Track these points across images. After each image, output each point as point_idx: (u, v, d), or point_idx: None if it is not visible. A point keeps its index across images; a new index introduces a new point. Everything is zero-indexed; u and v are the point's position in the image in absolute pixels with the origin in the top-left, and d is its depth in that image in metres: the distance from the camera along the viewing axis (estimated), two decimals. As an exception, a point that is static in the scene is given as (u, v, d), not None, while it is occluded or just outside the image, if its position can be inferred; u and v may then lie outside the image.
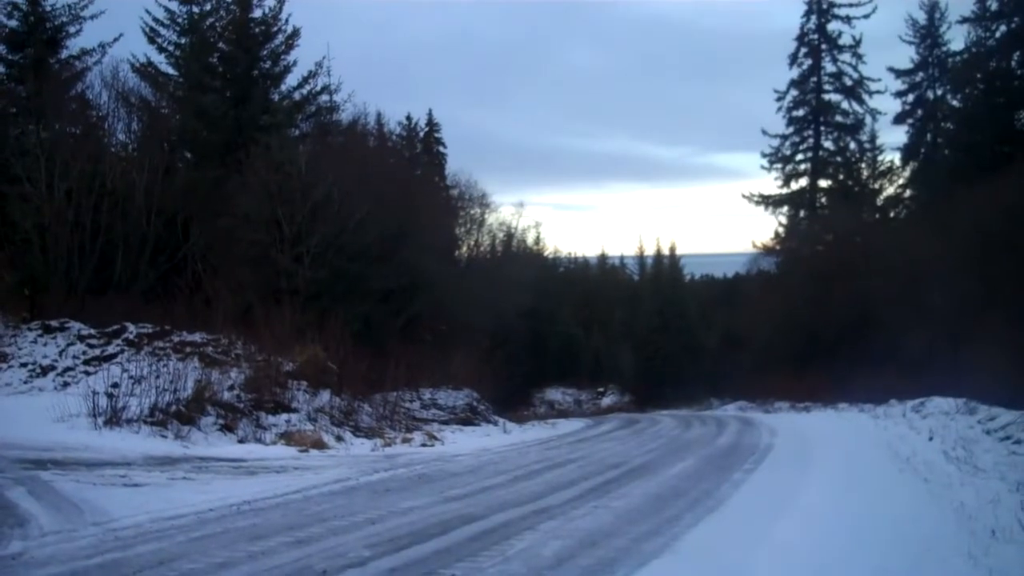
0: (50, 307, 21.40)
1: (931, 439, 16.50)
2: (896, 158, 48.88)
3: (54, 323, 20.35)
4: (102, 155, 25.07)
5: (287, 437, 16.88)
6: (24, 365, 19.15)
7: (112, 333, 20.38)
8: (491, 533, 8.60)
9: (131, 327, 20.65)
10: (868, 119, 50.56)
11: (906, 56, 47.61)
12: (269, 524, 8.73)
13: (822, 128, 51.51)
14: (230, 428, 16.64)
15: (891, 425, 20.91)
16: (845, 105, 51.10)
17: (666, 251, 70.63)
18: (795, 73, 51.53)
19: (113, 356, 19.37)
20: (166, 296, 23.71)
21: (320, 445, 16.83)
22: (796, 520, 9.21)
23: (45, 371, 18.82)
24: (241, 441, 16.29)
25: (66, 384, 18.14)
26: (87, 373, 18.47)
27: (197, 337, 21.19)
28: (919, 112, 46.79)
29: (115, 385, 16.19)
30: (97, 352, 19.71)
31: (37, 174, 22.67)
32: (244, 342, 21.58)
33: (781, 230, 52.86)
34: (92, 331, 20.32)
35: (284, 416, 18.20)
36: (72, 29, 28.34)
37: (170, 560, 7.17)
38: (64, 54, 28.54)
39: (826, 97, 51.29)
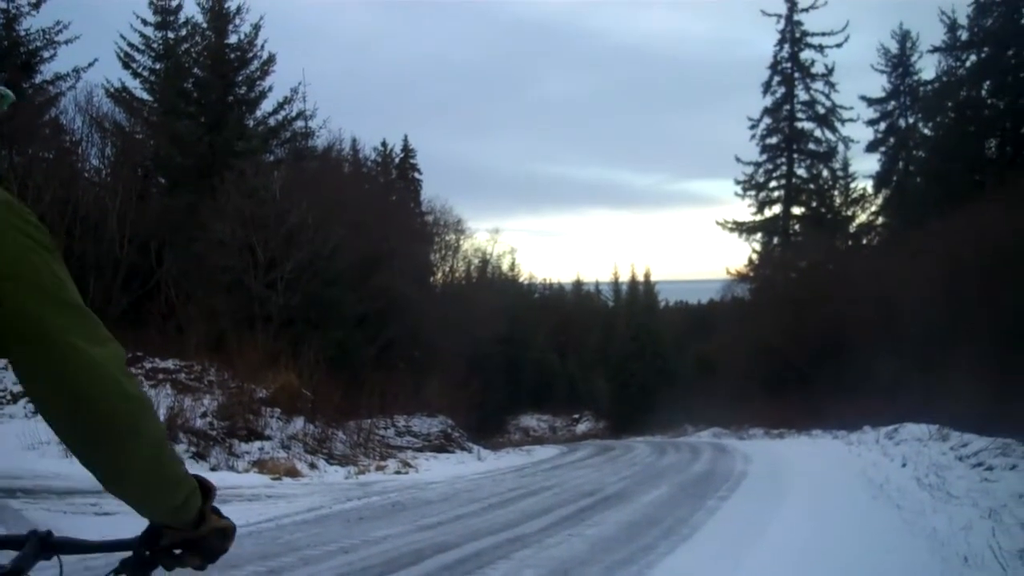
0: (21, 333, 21.24)
1: (904, 466, 16.55)
2: (868, 186, 49.34)
3: (25, 349, 20.19)
4: (75, 180, 24.93)
5: (260, 465, 16.78)
6: (-6, 392, 18.97)
7: (83, 359, 20.24)
8: (465, 562, 8.56)
9: (103, 353, 20.51)
10: (841, 147, 51.05)
11: (878, 85, 48.13)
12: (241, 553, 8.65)
13: (795, 155, 51.85)
14: (202, 456, 16.52)
15: (864, 451, 20.97)
16: (818, 133, 51.54)
17: (641, 277, 70.88)
18: (768, 101, 51.97)
19: (84, 383, 19.22)
20: (139, 322, 23.55)
21: (293, 473, 16.74)
22: (769, 548, 9.21)
23: (15, 398, 18.60)
24: (213, 469, 16.16)
25: (36, 411, 18.00)
26: (58, 400, 18.31)
27: (170, 363, 21.07)
28: (891, 140, 47.16)
29: (86, 412, 16.06)
30: (68, 379, 19.57)
31: (9, 199, 22.53)
32: (217, 368, 21.47)
33: (755, 257, 53.15)
34: (63, 357, 20.17)
35: (257, 443, 18.10)
36: (46, 54, 28.23)
37: (140, 590, 7.09)
38: (38, 79, 28.39)
39: (799, 125, 51.67)
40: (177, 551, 1.93)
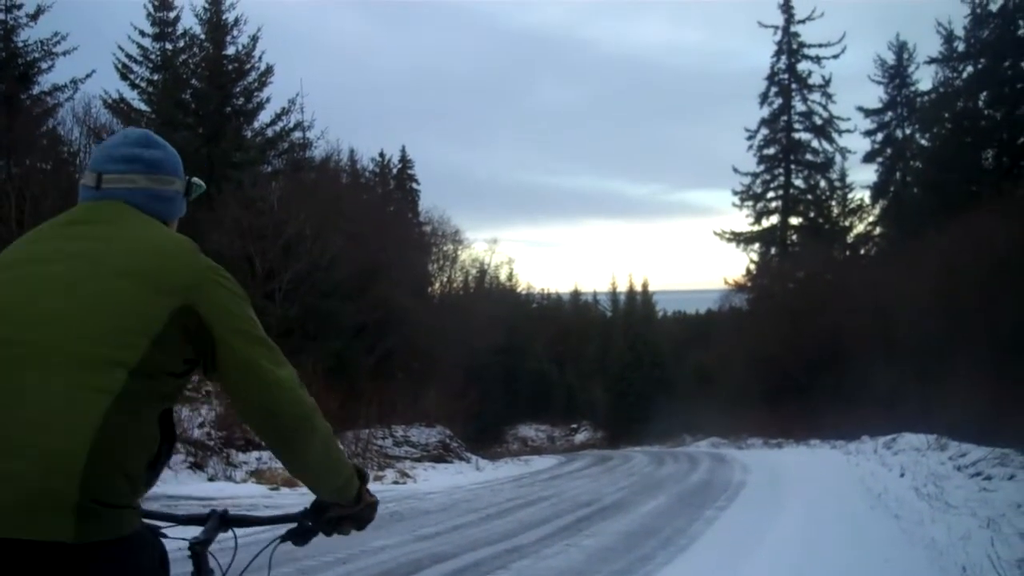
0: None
1: (902, 475, 16.54)
2: (866, 196, 49.49)
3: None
4: (73, 191, 24.77)
5: (258, 475, 16.77)
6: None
7: (81, 370, 20.22)
8: (462, 573, 8.55)
9: (101, 364, 20.50)
10: (838, 157, 51.34)
11: (875, 96, 48.27)
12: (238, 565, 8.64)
13: (792, 166, 52.03)
14: (200, 466, 16.52)
15: (863, 461, 20.97)
16: (815, 144, 51.81)
17: (638, 287, 71.04)
18: (766, 112, 52.24)
19: (82, 393, 19.20)
20: (136, 333, 23.54)
21: (291, 483, 16.69)
22: (768, 558, 9.20)
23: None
24: (211, 479, 16.16)
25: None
26: (55, 411, 18.29)
27: (167, 374, 21.06)
28: (888, 151, 47.25)
29: (84, 423, 16.06)
30: (66, 390, 19.54)
31: (7, 210, 22.51)
32: (215, 379, 21.46)
33: (752, 267, 53.31)
34: (61, 368, 20.14)
35: (255, 453, 18.07)
36: (44, 65, 28.21)
37: (137, 601, 7.07)
38: (36, 90, 28.40)
39: (796, 136, 51.90)
40: (336, 522, 2.53)
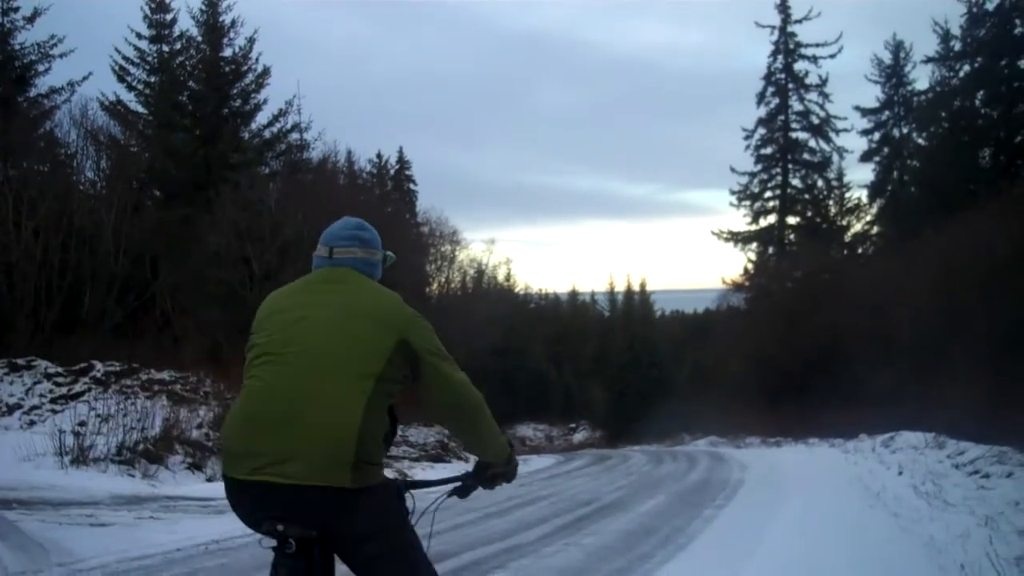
0: (16, 345, 21.20)
1: (901, 474, 16.54)
2: (863, 195, 49.57)
3: (20, 361, 20.15)
4: (70, 193, 24.93)
5: (256, 476, 16.74)
6: (-11, 404, 18.95)
7: (79, 371, 20.21)
8: (462, 572, 8.55)
9: (98, 365, 20.48)
10: (835, 157, 51.43)
11: (872, 95, 48.28)
12: (237, 564, 8.64)
13: (790, 166, 52.09)
14: (199, 467, 16.50)
15: (861, 460, 20.97)
16: (812, 143, 51.89)
17: (636, 287, 70.95)
18: (763, 112, 52.29)
19: (80, 394, 19.19)
20: (134, 334, 23.57)
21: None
22: (766, 556, 9.21)
23: (11, 410, 18.60)
24: (210, 480, 16.13)
25: (32, 423, 17.93)
26: (54, 411, 18.27)
27: (165, 375, 21.05)
28: (885, 150, 47.32)
29: (82, 423, 16.06)
30: (64, 390, 19.52)
31: (4, 212, 22.53)
32: (213, 380, 21.45)
33: (750, 266, 53.33)
34: (59, 369, 20.12)
35: (253, 454, 18.06)
36: (41, 67, 28.31)
37: (137, 601, 7.09)
38: (33, 92, 28.47)
39: (793, 135, 51.96)
40: (492, 478, 3.61)
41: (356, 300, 3.24)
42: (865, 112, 47.97)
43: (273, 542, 3.06)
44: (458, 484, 3.68)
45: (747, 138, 52.60)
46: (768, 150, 52.45)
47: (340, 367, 3.02)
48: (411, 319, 3.24)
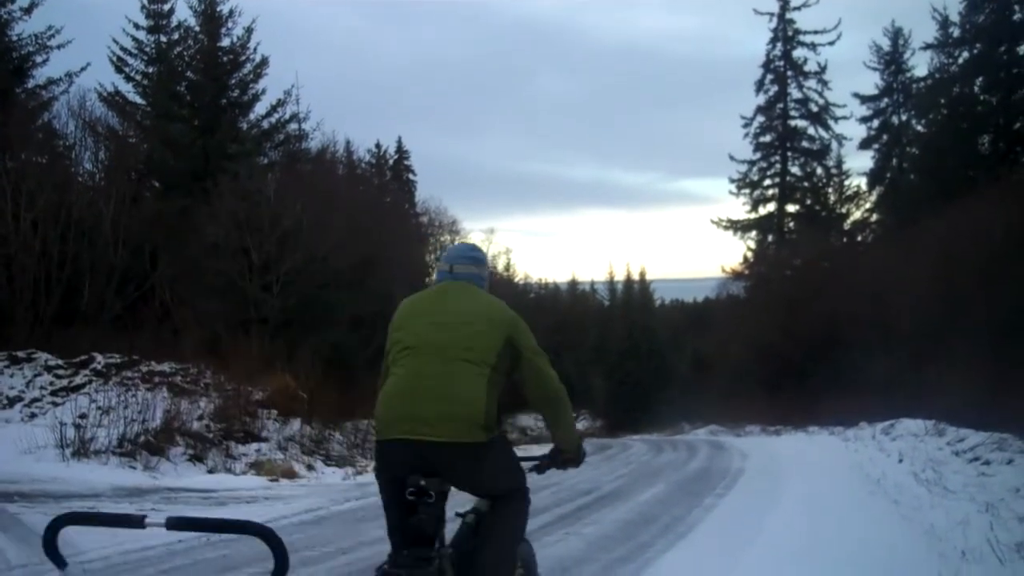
0: (16, 338, 21.18)
1: (901, 461, 16.55)
2: (862, 183, 49.58)
3: (20, 354, 20.14)
4: (69, 184, 24.87)
5: (257, 467, 16.79)
6: (-10, 397, 18.94)
7: (79, 363, 20.20)
8: (463, 561, 8.55)
9: (99, 357, 20.48)
10: (834, 144, 51.40)
11: (871, 82, 48.26)
12: (239, 555, 8.66)
13: (789, 153, 52.06)
14: (199, 458, 16.54)
15: (861, 447, 20.98)
16: (811, 131, 51.86)
17: (636, 276, 70.97)
18: (761, 99, 52.26)
19: (81, 387, 19.20)
20: (134, 326, 23.55)
21: (291, 474, 16.74)
22: (767, 544, 9.21)
23: (12, 402, 18.60)
24: (211, 471, 16.17)
25: (33, 415, 17.93)
26: (54, 404, 18.28)
27: (165, 367, 21.06)
28: (884, 137, 47.30)
29: (83, 416, 16.09)
30: (64, 383, 19.52)
31: (3, 204, 22.49)
32: (213, 371, 21.45)
33: (750, 255, 53.35)
34: (59, 361, 20.11)
35: (254, 445, 18.12)
36: (39, 59, 28.22)
37: (138, 593, 7.10)
38: (31, 84, 28.39)
39: (792, 123, 51.94)
40: (564, 461, 4.51)
41: (473, 306, 4.18)
42: (864, 99, 47.96)
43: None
44: (537, 463, 4.59)
45: (746, 126, 52.65)
46: (767, 138, 52.45)
47: (466, 357, 3.96)
48: (514, 321, 4.17)
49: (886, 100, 47.64)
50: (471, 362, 3.94)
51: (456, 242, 49.06)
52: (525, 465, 4.45)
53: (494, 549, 4.18)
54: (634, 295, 70.33)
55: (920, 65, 47.72)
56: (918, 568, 7.56)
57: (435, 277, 4.56)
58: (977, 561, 7.65)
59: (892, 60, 47.38)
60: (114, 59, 31.62)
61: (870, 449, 20.05)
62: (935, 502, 11.18)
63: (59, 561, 2.79)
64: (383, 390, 4.14)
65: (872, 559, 8.18)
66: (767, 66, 51.83)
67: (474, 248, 4.63)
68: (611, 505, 12.98)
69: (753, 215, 53.16)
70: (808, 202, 52.11)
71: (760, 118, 52.32)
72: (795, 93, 51.75)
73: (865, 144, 48.00)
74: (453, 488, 4.09)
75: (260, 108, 33.15)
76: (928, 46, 38.83)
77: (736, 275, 53.34)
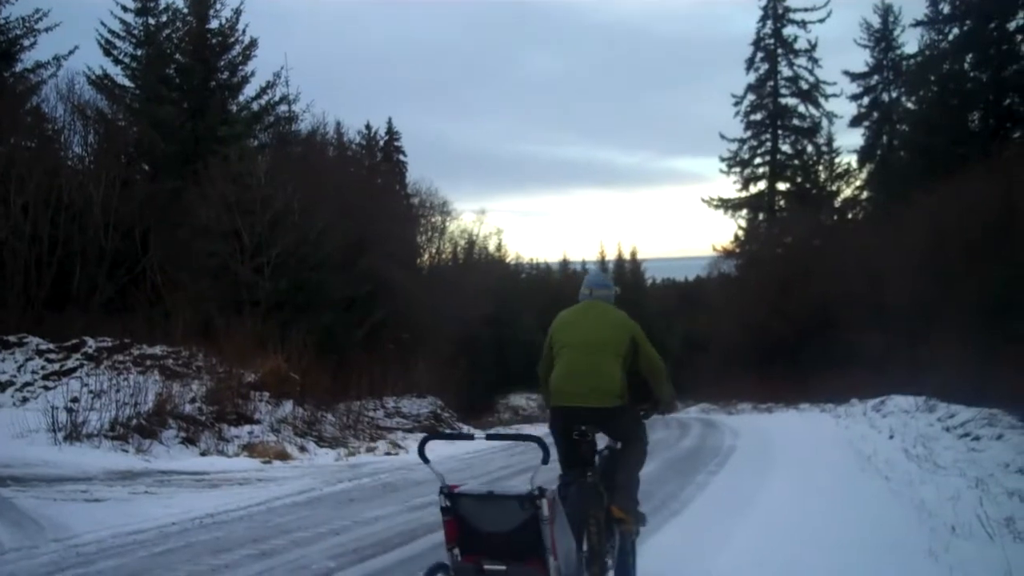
0: (7, 322, 21.11)
1: (892, 437, 16.65)
2: (853, 160, 49.60)
3: (12, 338, 20.08)
4: (58, 168, 24.77)
5: (250, 449, 16.79)
6: (-19, 382, 18.91)
7: (71, 347, 20.16)
8: (456, 541, 8.59)
9: (90, 341, 20.44)
10: (824, 122, 51.46)
11: (861, 59, 48.26)
12: (232, 537, 8.69)
13: (779, 131, 52.09)
14: (192, 441, 16.53)
15: (852, 424, 21.10)
16: (802, 109, 51.87)
17: (627, 255, 71.01)
18: (752, 78, 52.25)
19: (72, 370, 19.15)
20: (125, 309, 23.51)
21: (283, 456, 16.76)
22: (759, 522, 9.27)
23: (3, 387, 18.56)
24: (203, 454, 16.17)
25: (25, 399, 17.90)
26: (46, 388, 18.25)
27: (157, 350, 21.01)
28: (875, 115, 47.30)
29: (75, 400, 16.07)
30: (56, 367, 19.48)
31: (-7, 189, 22.42)
32: (205, 354, 21.41)
33: (741, 233, 53.40)
34: (50, 345, 20.07)
35: (247, 428, 18.11)
36: (27, 42, 28.03)
37: None
38: (19, 67, 28.23)
39: (783, 101, 51.92)
40: (663, 410, 6.98)
41: (607, 317, 6.25)
42: (854, 77, 47.93)
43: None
44: (644, 411, 6.52)
45: (736, 104, 52.62)
46: (758, 116, 52.43)
47: (606, 350, 6.03)
48: (634, 326, 6.25)
49: (876, 77, 47.63)
50: (608, 354, 6.01)
51: (446, 222, 49.22)
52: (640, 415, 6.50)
53: (626, 471, 6.28)
54: (625, 274, 70.36)
55: (910, 42, 47.83)
56: (908, 543, 7.62)
57: (579, 297, 6.50)
58: (967, 536, 7.71)
59: (882, 37, 47.36)
60: (102, 42, 31.42)
61: (861, 426, 20.16)
62: (925, 478, 11.26)
63: (424, 459, 5.04)
64: (554, 373, 6.14)
65: (863, 534, 8.23)
66: (757, 44, 51.80)
67: (605, 278, 6.78)
68: (604, 484, 13.00)
69: (744, 193, 53.22)
70: (799, 180, 52.17)
71: (751, 96, 52.33)
72: (785, 71, 51.76)
73: (855, 122, 48.00)
74: (599, 434, 6.15)
75: (250, 90, 33.04)
76: (918, 23, 38.75)
77: (727, 254, 53.49)
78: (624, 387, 6.00)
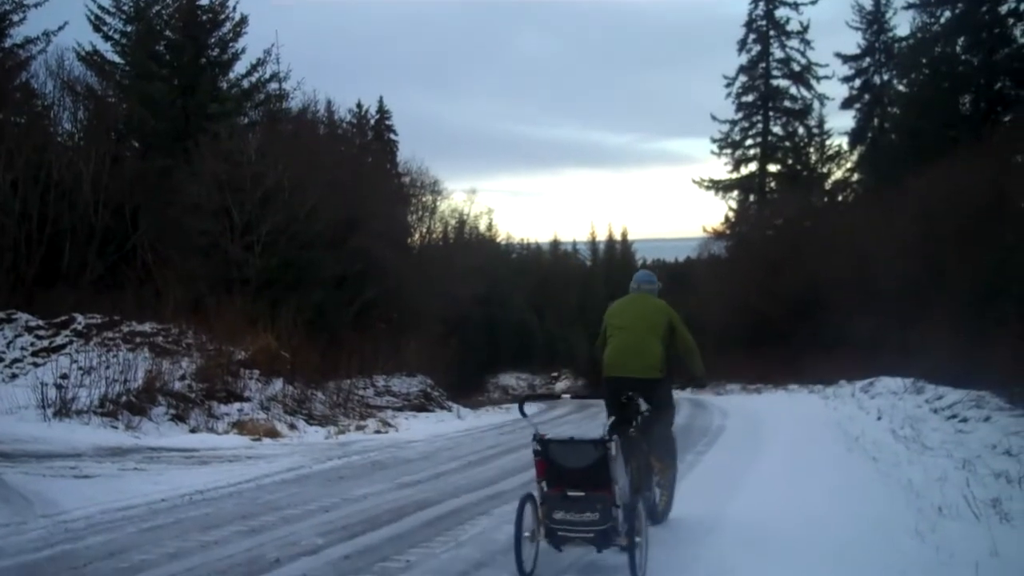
0: (-3, 299, 21.10)
1: (880, 419, 16.71)
2: (844, 142, 49.70)
3: (1, 315, 20.05)
4: (48, 145, 24.69)
5: (240, 426, 16.82)
6: (-30, 358, 18.88)
7: (60, 324, 20.13)
8: (445, 519, 8.63)
9: (80, 318, 20.41)
10: (816, 104, 51.49)
11: (853, 42, 48.29)
12: (222, 514, 8.70)
13: (771, 113, 52.10)
14: (182, 418, 16.55)
15: (841, 405, 21.17)
16: (793, 90, 51.89)
17: (618, 236, 71.04)
18: (744, 59, 52.24)
19: (62, 347, 19.14)
20: (115, 286, 23.49)
21: (273, 434, 16.78)
22: (747, 502, 9.30)
23: (-8, 363, 18.55)
24: (193, 431, 16.20)
25: (14, 376, 17.88)
26: (36, 364, 18.24)
27: (147, 327, 20.99)
28: (866, 97, 47.35)
29: (64, 376, 16.08)
30: (45, 343, 19.45)
31: (-18, 164, 22.33)
32: (195, 331, 21.40)
33: (731, 214, 53.47)
34: (40, 322, 20.03)
35: (236, 405, 18.13)
36: (16, 18, 27.84)
37: (121, 551, 7.12)
38: (8, 43, 28.04)
39: (774, 83, 51.95)
40: (696, 386, 9.42)
41: (652, 305, 7.88)
42: (846, 59, 47.95)
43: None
44: (682, 383, 9.30)
45: (728, 86, 52.60)
46: (749, 98, 52.42)
47: (650, 331, 7.64)
48: (672, 312, 7.84)
49: (868, 60, 47.64)
50: (652, 335, 7.65)
51: (437, 202, 49.20)
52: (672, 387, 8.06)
53: (661, 427, 7.85)
54: (616, 255, 70.56)
55: (902, 24, 47.85)
56: (895, 523, 7.65)
57: (629, 289, 8.21)
58: (953, 517, 7.75)
59: (874, 19, 47.35)
60: (92, 17, 31.24)
61: (849, 407, 20.23)
62: (913, 459, 11.32)
63: (523, 415, 7.40)
64: (607, 350, 7.75)
65: (851, 515, 8.27)
66: (749, 25, 51.72)
67: (651, 275, 8.40)
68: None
69: (735, 175, 53.25)
70: (790, 162, 52.21)
71: (742, 78, 52.30)
72: (777, 53, 51.71)
73: (847, 104, 48.10)
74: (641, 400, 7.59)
75: (240, 67, 32.91)
76: (910, 5, 38.67)
77: (718, 235, 53.50)
78: (664, 362, 7.64)
